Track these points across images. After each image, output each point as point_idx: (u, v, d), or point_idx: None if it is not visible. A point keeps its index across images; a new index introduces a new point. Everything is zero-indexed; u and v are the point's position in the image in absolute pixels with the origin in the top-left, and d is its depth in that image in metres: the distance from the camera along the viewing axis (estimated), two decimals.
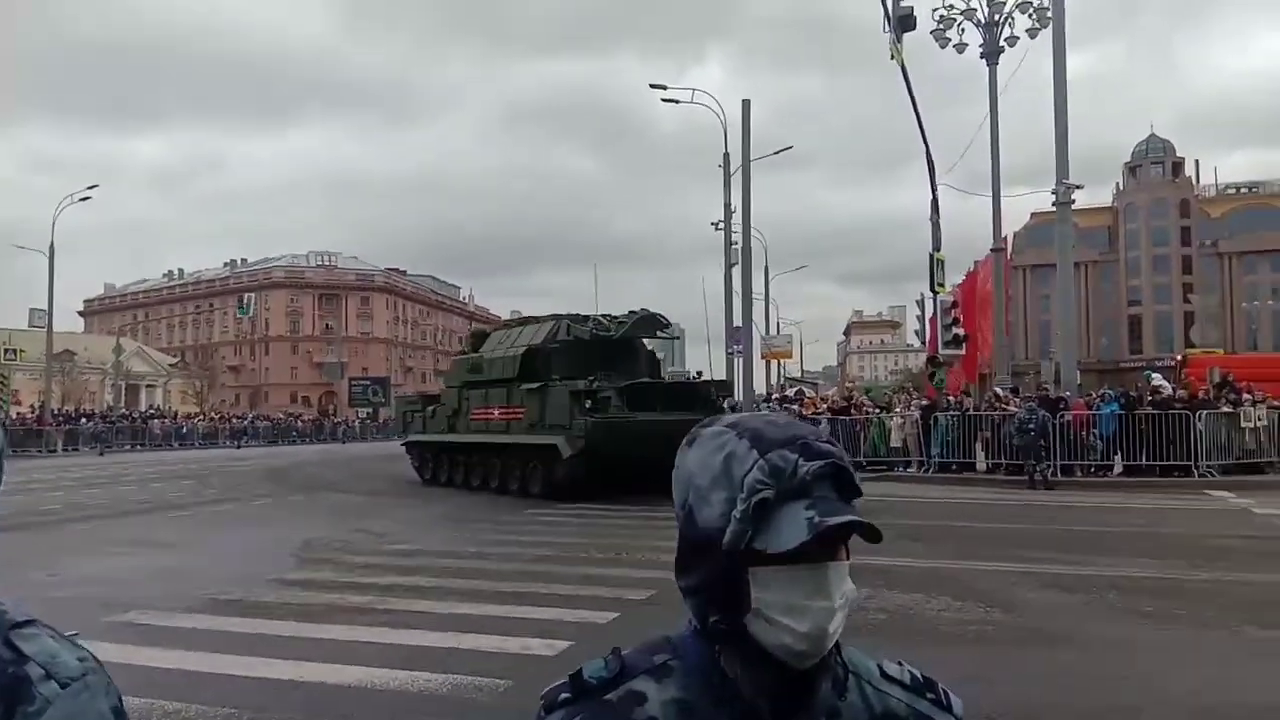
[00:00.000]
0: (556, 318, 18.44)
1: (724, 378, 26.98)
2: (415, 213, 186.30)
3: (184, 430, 48.51)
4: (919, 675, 1.09)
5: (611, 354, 17.48)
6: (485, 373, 18.87)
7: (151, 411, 56.06)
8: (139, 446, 43.35)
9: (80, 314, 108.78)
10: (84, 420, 44.67)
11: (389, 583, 8.67)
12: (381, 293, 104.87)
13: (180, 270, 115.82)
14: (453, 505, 16.15)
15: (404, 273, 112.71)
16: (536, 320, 19.31)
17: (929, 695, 1.08)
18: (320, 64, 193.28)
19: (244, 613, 7.50)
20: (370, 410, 73.48)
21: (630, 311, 18.21)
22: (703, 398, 17.29)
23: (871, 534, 0.96)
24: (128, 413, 51.32)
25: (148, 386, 76.03)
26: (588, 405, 15.64)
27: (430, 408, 21.43)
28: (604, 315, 18.43)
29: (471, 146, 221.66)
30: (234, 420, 54.64)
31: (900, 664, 1.10)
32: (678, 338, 25.41)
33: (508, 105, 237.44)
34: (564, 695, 1.00)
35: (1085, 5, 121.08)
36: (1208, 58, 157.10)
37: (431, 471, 20.68)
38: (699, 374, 25.74)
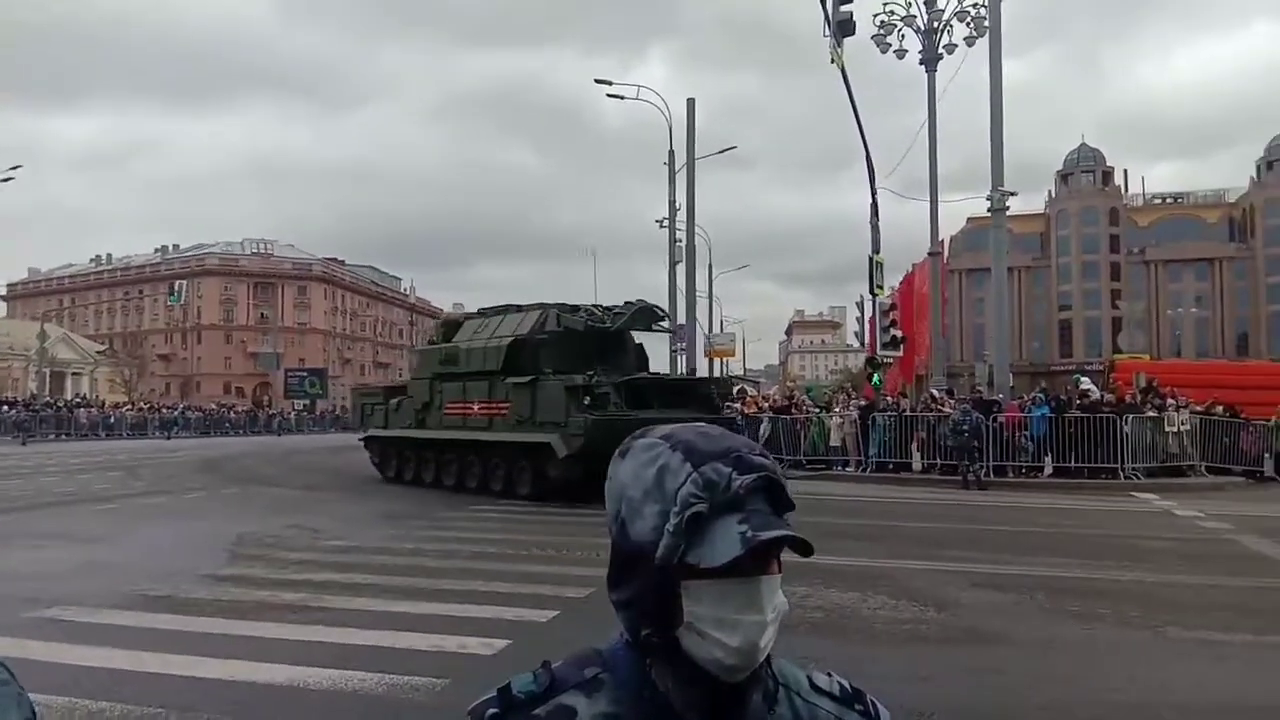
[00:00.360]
0: (543, 306, 17.14)
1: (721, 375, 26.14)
2: (355, 202, 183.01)
3: (111, 420, 47.14)
4: (848, 686, 1.10)
5: (603, 347, 16.52)
6: (462, 364, 17.55)
7: (77, 400, 54.33)
8: (64, 436, 42.05)
9: (2, 298, 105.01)
10: (5, 408, 43.15)
11: (324, 580, 8.52)
12: (319, 282, 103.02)
13: (109, 255, 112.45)
14: (392, 502, 15.93)
15: (343, 262, 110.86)
16: (518, 309, 17.89)
17: (857, 706, 1.08)
18: (258, 48, 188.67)
19: (173, 609, 7.31)
20: (307, 402, 72.17)
21: (626, 302, 17.39)
22: (701, 395, 16.70)
23: (803, 548, 0.96)
24: (52, 401, 49.71)
25: (74, 374, 73.72)
26: (586, 401, 14.64)
27: (395, 400, 20.04)
28: (595, 305, 17.39)
29: (413, 137, 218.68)
30: (164, 410, 53.20)
31: (830, 675, 1.10)
32: (673, 331, 24.25)
33: (449, 96, 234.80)
34: (492, 710, 0.99)
35: (1017, 15, 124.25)
36: (1133, 70, 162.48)
37: (395, 469, 19.44)
38: (693, 370, 24.98)
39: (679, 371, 29.47)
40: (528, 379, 15.62)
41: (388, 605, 7.45)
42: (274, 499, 16.38)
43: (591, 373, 14.94)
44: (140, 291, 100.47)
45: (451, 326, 19.73)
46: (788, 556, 0.99)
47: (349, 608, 7.38)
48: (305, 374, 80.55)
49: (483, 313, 19.03)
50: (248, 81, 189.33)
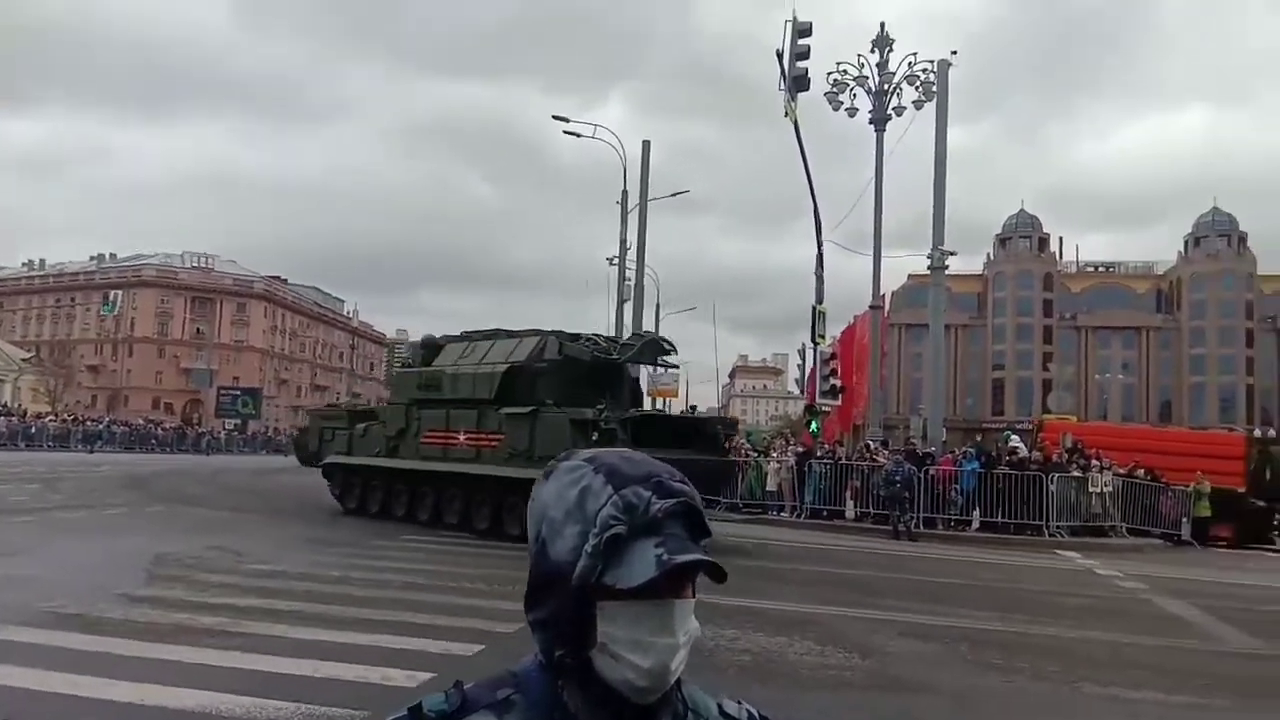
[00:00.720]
0: (540, 332, 16.10)
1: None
2: (302, 222, 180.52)
3: (33, 430, 45.49)
4: (756, 714, 1.13)
5: (604, 379, 15.50)
6: (446, 390, 16.23)
7: None
8: None
9: None
10: None
11: (245, 604, 8.31)
12: (260, 300, 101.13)
13: (42, 261, 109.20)
14: (322, 528, 15.61)
15: (285, 281, 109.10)
16: (510, 333, 16.79)
17: None
18: (210, 59, 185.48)
19: (85, 628, 7.06)
20: (239, 422, 70.53)
21: (635, 334, 16.46)
22: (708, 435, 15.67)
23: (717, 574, 0.99)
24: None
25: None
26: (594, 438, 13.31)
27: (361, 425, 18.33)
28: (596, 335, 16.52)
29: (367, 161, 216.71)
30: (89, 423, 51.56)
31: (739, 702, 1.13)
32: (677, 366, 23.03)
33: (407, 122, 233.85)
34: None
35: (964, 85, 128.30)
36: (1072, 144, 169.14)
37: (359, 499, 17.69)
38: (694, 408, 23.17)
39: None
40: (527, 410, 14.54)
41: (310, 633, 7.29)
42: (198, 519, 15.94)
43: (601, 407, 14.06)
44: (72, 299, 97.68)
45: (431, 349, 18.16)
46: (720, 599, 1.03)
47: (269, 634, 7.20)
48: (239, 393, 78.82)
49: (467, 336, 17.84)
50: (203, 94, 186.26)
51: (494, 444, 15.16)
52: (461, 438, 15.81)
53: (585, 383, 15.06)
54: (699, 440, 15.14)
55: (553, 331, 16.04)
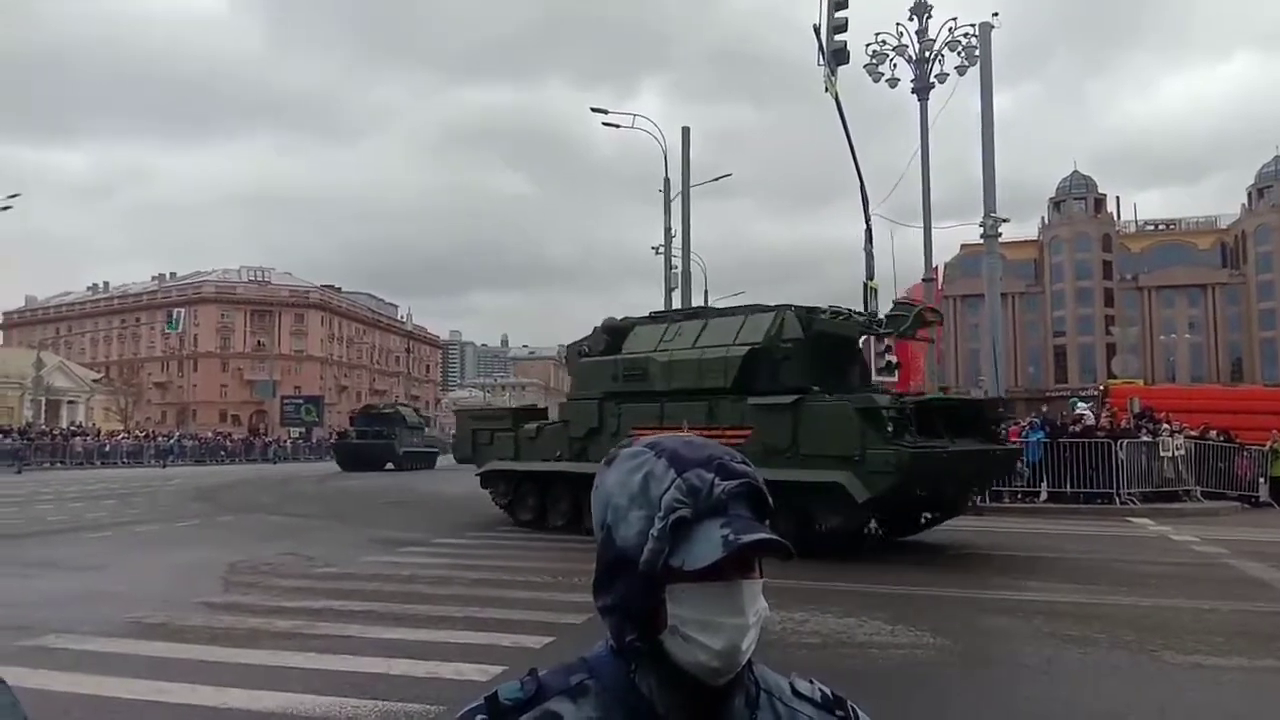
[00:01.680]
0: (777, 307, 13.90)
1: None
2: (352, 232, 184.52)
3: (107, 448, 46.98)
4: (829, 693, 1.12)
5: (841, 360, 13.67)
6: (657, 380, 14.07)
7: (73, 428, 54.19)
8: (59, 464, 41.88)
9: None
10: (1, 437, 43.00)
11: (319, 606, 8.49)
12: (316, 309, 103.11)
13: (105, 284, 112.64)
14: (388, 529, 15.88)
15: (340, 290, 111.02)
16: (720, 312, 14.96)
17: (838, 713, 1.11)
18: (251, 81, 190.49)
19: (167, 637, 7.28)
20: (303, 429, 72.00)
21: (898, 303, 14.58)
22: (986, 421, 13.61)
23: (784, 552, 0.99)
24: (48, 429, 49.55)
25: (69, 402, 73.48)
26: (890, 431, 11.49)
27: (531, 426, 16.07)
28: (834, 306, 14.10)
29: (409, 169, 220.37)
30: (160, 439, 53.06)
31: (811, 681, 1.12)
32: (933, 340, 20.75)
33: (443, 129, 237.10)
34: (480, 717, 1.01)
35: (1000, 51, 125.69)
36: (1115, 103, 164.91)
37: (536, 510, 15.60)
38: (945, 388, 20.42)
39: None
40: (788, 399, 12.38)
41: (383, 632, 7.42)
42: (268, 527, 16.32)
43: (902, 395, 12.28)
44: (137, 319, 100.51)
45: (617, 334, 15.80)
46: (787, 582, 1.02)
47: (344, 635, 7.35)
48: (302, 401, 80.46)
49: (658, 317, 15.95)
50: (244, 114, 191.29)
51: (737, 440, 12.19)
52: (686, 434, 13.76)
53: (828, 364, 13.19)
54: (976, 427, 13.14)
55: (787, 305, 13.95)
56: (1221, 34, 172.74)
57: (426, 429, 52.11)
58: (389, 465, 40.95)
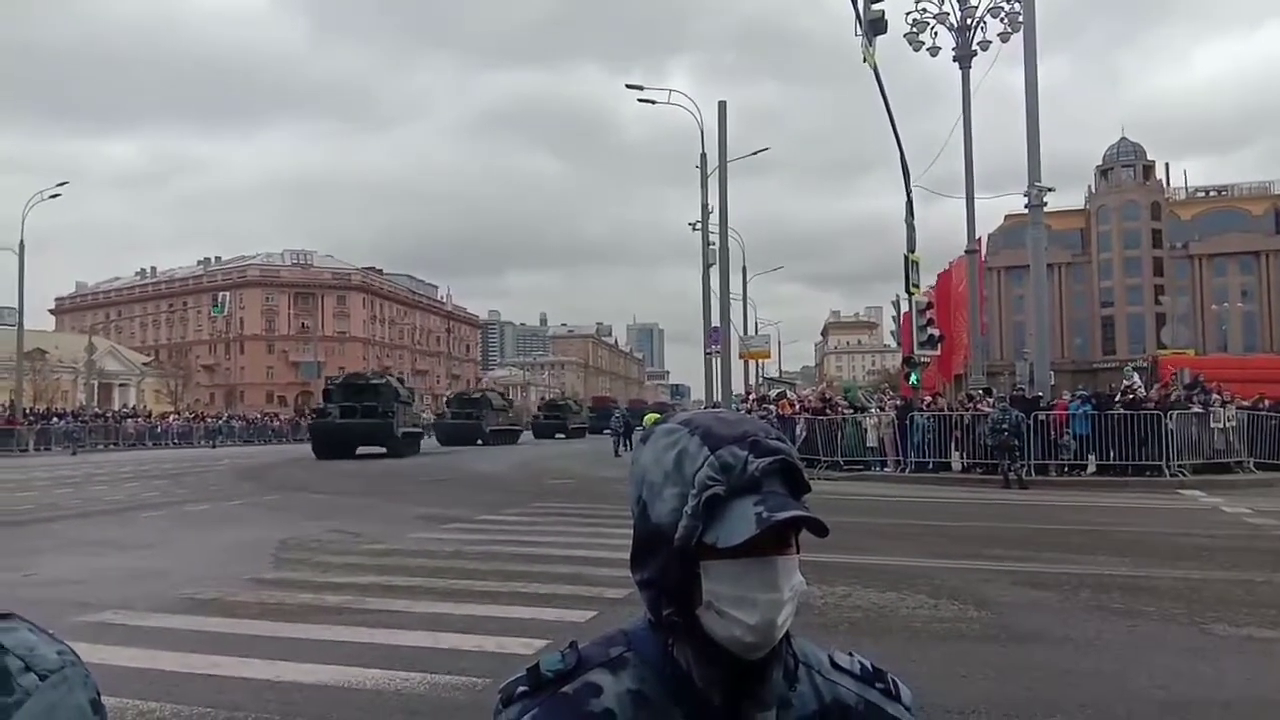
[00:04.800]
0: None
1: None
2: (391, 215, 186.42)
3: (158, 430, 48.07)
4: (869, 665, 1.12)
5: None
6: None
7: (125, 411, 55.44)
8: (112, 446, 42.90)
9: (51, 312, 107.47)
10: (56, 419, 44.15)
11: (366, 582, 8.64)
12: (358, 291, 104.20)
13: (153, 269, 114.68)
14: (431, 505, 16.08)
15: (381, 272, 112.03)
16: None
17: (878, 685, 1.10)
18: (291, 70, 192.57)
19: (220, 612, 7.45)
20: None
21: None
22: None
23: (819, 529, 0.98)
24: (101, 412, 50.76)
25: (120, 385, 75.20)
26: None
27: None
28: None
29: (444, 152, 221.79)
30: (209, 420, 54.14)
31: (851, 655, 1.12)
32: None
33: (477, 112, 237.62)
34: (521, 688, 1.02)
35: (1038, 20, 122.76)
36: (1150, 74, 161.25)
37: None
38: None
39: (712, 376, 29.32)
40: None
41: (429, 607, 7.54)
42: (315, 504, 16.60)
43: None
44: (184, 303, 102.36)
45: None
46: (829, 557, 1.02)
47: (391, 609, 7.47)
48: None
49: None
50: (283, 102, 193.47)
51: None
52: None
53: None
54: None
55: None
56: (1247, 4, 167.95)
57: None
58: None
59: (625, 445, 31.99)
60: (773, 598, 0.98)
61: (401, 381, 43.97)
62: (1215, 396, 19.52)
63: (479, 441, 44.45)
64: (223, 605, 7.72)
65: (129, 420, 48.70)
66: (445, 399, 65.37)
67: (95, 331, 69.05)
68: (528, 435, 57.50)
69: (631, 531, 1.06)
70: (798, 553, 1.01)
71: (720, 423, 1.04)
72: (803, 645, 1.09)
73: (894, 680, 1.12)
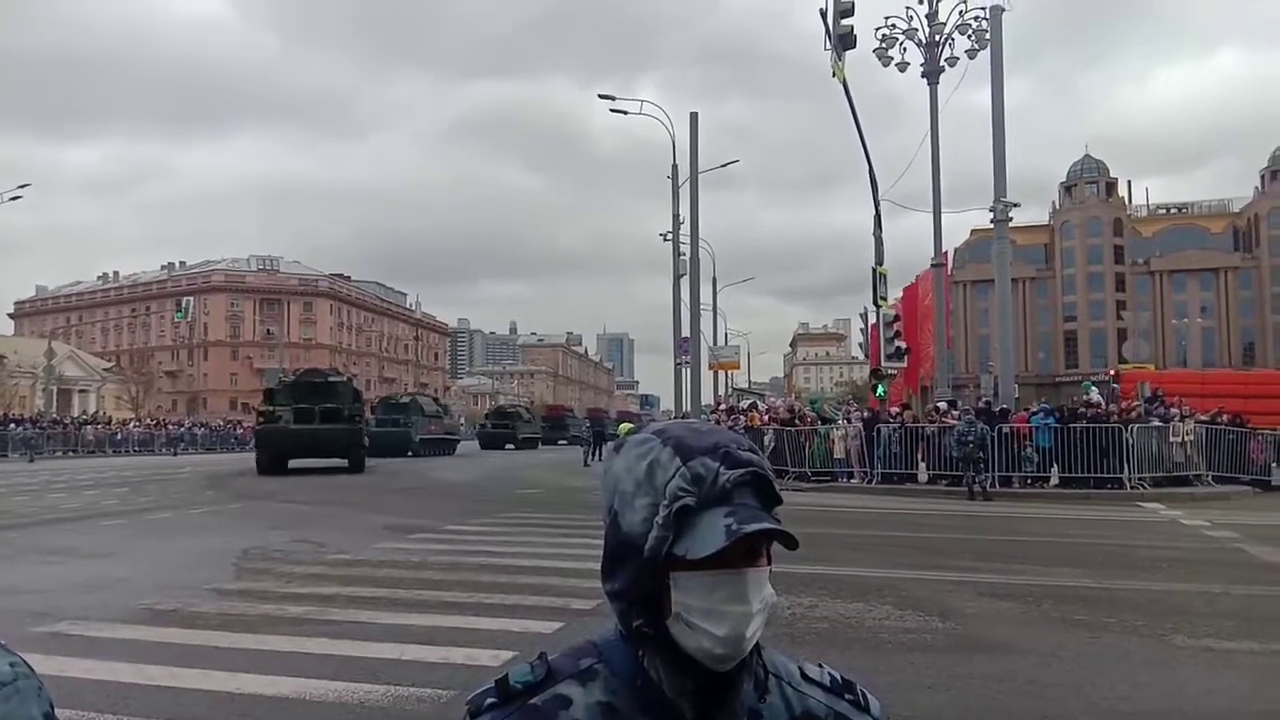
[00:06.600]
0: None
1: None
2: (359, 223, 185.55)
3: (119, 436, 47.27)
4: (838, 677, 1.12)
5: None
6: None
7: (85, 417, 54.47)
8: (71, 453, 42.16)
9: (10, 316, 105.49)
10: (13, 425, 43.27)
11: (330, 593, 8.53)
12: (325, 298, 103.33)
13: (116, 273, 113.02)
14: (397, 515, 15.93)
15: (349, 278, 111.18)
16: None
17: (848, 696, 1.10)
18: (260, 77, 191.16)
19: (180, 623, 7.33)
20: None
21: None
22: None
23: (789, 541, 0.98)
24: (60, 418, 49.85)
25: (80, 391, 73.90)
26: None
27: None
28: None
29: (416, 161, 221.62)
30: (170, 427, 53.33)
31: (820, 666, 1.12)
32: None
33: (450, 123, 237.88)
34: (490, 700, 1.02)
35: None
36: (1110, 95, 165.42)
37: None
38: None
39: (682, 386, 29.36)
40: None
41: (395, 618, 7.46)
42: (279, 513, 16.37)
43: None
44: (147, 309, 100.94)
45: None
46: (796, 568, 1.02)
47: (355, 620, 7.38)
48: None
49: None
50: (256, 109, 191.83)
51: None
52: None
53: None
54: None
55: None
56: (1206, 28, 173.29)
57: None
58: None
59: (595, 455, 31.91)
60: (742, 610, 0.97)
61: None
62: (1175, 411, 19.84)
63: (408, 453, 40.16)
64: (183, 616, 7.59)
65: (88, 427, 47.85)
66: (370, 404, 59.67)
67: (55, 336, 67.88)
68: (472, 445, 52.85)
69: (601, 542, 1.05)
70: (769, 565, 1.00)
71: (693, 434, 1.03)
72: (773, 657, 1.09)
73: (863, 692, 1.12)
